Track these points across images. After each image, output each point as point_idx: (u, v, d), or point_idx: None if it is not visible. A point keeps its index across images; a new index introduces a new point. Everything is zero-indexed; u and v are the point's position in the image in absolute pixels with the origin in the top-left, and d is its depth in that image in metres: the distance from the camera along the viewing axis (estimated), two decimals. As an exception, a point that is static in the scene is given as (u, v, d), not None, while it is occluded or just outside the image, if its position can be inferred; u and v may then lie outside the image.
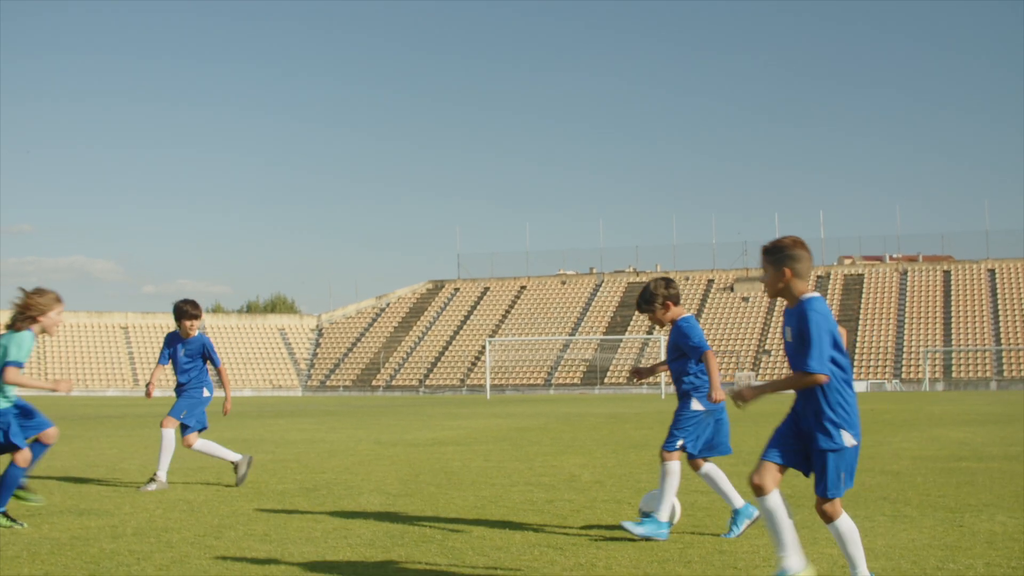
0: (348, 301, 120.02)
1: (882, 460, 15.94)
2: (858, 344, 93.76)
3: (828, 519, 6.55)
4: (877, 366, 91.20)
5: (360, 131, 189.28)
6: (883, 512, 10.39)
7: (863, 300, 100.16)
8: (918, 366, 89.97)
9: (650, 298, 9.29)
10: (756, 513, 9.01)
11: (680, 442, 9.09)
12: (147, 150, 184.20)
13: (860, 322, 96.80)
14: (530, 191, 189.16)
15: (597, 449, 18.80)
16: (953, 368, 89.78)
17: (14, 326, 9.92)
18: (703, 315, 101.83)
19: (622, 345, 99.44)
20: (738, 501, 9.19)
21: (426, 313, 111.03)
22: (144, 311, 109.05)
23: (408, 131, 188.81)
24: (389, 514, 10.42)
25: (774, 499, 6.53)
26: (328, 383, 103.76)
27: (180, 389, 13.11)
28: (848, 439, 6.44)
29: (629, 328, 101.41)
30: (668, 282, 9.28)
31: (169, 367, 13.24)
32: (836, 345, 6.46)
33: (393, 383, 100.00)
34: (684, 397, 9.19)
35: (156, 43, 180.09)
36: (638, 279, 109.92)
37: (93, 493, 12.45)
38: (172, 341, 13.23)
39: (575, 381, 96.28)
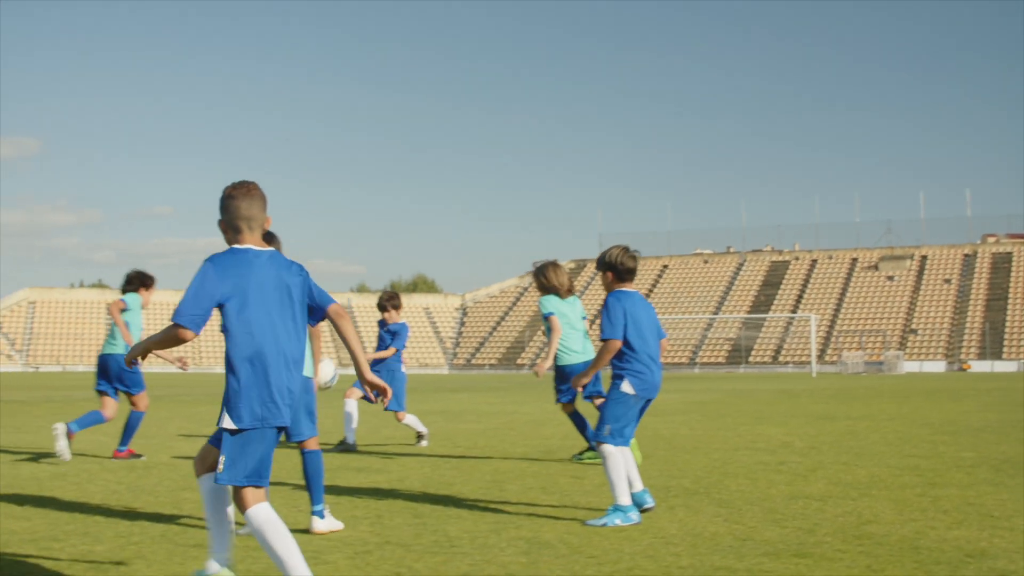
0: (491, 280, 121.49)
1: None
2: (1008, 324, 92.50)
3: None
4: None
5: (501, 111, 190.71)
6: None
7: (1012, 279, 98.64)
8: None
9: (599, 260, 8.94)
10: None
11: (608, 428, 8.48)
12: (282, 130, 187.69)
13: (1010, 301, 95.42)
14: (671, 171, 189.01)
15: (789, 420, 19.57)
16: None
17: None
18: (847, 295, 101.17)
19: (766, 324, 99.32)
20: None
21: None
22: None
23: (550, 112, 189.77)
24: (641, 474, 11.31)
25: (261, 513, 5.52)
26: (474, 361, 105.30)
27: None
28: (227, 422, 5.47)
29: (773, 307, 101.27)
30: (626, 251, 8.84)
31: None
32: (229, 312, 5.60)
33: (538, 361, 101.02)
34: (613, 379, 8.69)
35: (286, 23, 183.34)
36: (780, 258, 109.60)
37: (350, 457, 13.58)
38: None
39: (720, 360, 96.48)
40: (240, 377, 5.51)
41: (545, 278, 12.57)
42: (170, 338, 5.60)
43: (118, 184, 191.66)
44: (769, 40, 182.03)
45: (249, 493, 5.51)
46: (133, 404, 13.06)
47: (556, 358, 12.41)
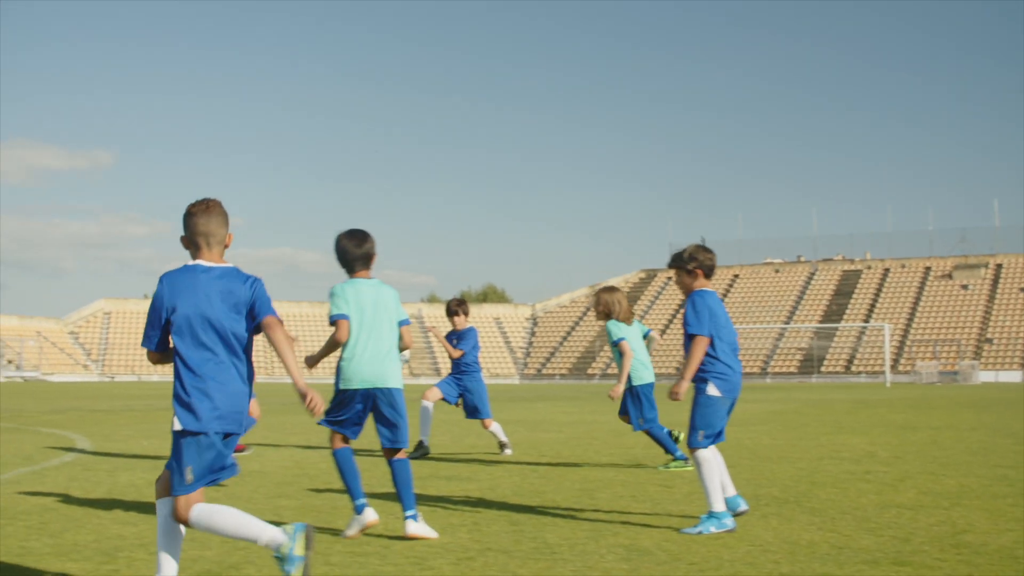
0: (561, 290, 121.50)
1: None
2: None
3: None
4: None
5: (569, 120, 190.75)
6: None
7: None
8: None
9: (685, 258, 8.86)
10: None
11: (701, 434, 8.44)
12: (352, 139, 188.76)
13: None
14: (741, 179, 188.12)
15: (870, 430, 19.52)
16: None
17: None
18: (920, 304, 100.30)
19: (839, 333, 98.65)
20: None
21: (639, 302, 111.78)
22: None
23: (618, 120, 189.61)
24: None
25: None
26: (544, 371, 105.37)
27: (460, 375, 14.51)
28: (175, 424, 5.84)
29: (845, 316, 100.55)
30: (706, 249, 8.90)
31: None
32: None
33: (608, 371, 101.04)
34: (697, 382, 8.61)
35: (358, 31, 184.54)
36: (852, 267, 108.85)
37: (439, 466, 13.74)
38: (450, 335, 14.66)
39: (791, 370, 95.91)
40: (185, 384, 5.80)
41: (615, 307, 12.74)
42: (148, 358, 6.06)
43: (189, 195, 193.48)
44: (841, 48, 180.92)
45: (182, 500, 5.83)
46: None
47: (628, 380, 12.61)
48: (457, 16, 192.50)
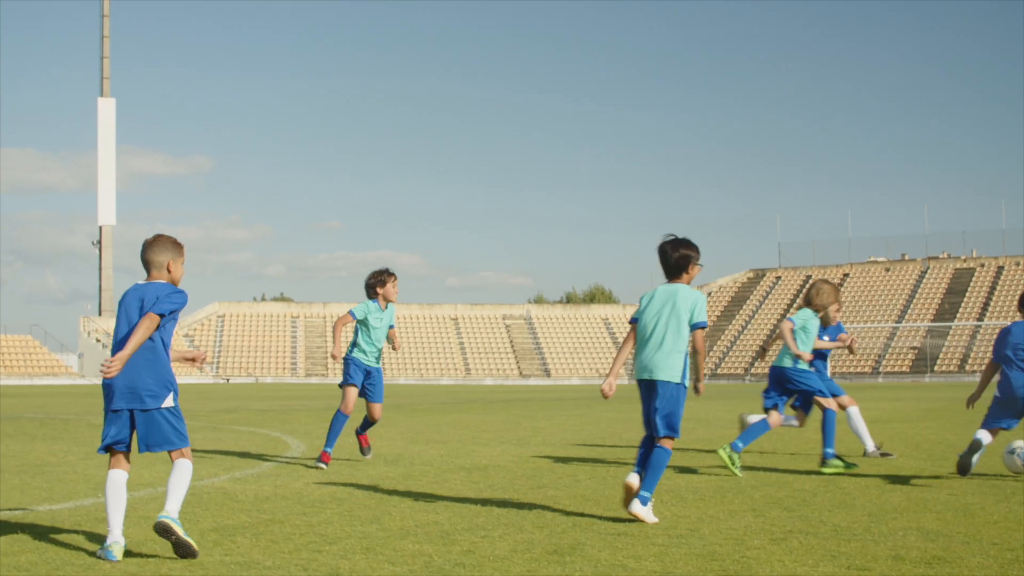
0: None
1: None
2: None
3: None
4: None
5: (675, 119, 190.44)
6: None
7: None
8: None
9: None
10: None
11: None
12: (451, 142, 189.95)
13: None
14: (851, 178, 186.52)
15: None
16: None
17: None
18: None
19: (952, 332, 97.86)
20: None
21: (748, 302, 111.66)
22: (472, 303, 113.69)
23: (724, 121, 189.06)
24: (941, 475, 11.93)
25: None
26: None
27: None
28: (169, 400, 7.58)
29: (958, 315, 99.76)
30: None
31: None
32: None
33: (718, 371, 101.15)
34: None
35: (460, 32, 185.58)
36: (965, 265, 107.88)
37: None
38: None
39: (904, 369, 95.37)
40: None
41: None
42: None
43: (288, 200, 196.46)
44: (949, 42, 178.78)
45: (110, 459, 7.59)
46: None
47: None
48: (571, 17, 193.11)
